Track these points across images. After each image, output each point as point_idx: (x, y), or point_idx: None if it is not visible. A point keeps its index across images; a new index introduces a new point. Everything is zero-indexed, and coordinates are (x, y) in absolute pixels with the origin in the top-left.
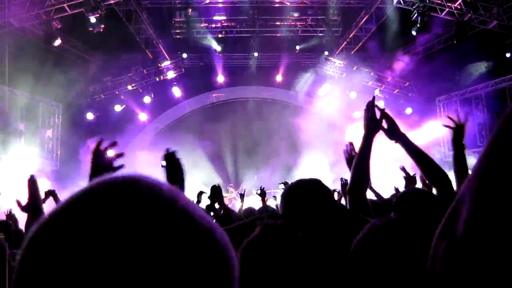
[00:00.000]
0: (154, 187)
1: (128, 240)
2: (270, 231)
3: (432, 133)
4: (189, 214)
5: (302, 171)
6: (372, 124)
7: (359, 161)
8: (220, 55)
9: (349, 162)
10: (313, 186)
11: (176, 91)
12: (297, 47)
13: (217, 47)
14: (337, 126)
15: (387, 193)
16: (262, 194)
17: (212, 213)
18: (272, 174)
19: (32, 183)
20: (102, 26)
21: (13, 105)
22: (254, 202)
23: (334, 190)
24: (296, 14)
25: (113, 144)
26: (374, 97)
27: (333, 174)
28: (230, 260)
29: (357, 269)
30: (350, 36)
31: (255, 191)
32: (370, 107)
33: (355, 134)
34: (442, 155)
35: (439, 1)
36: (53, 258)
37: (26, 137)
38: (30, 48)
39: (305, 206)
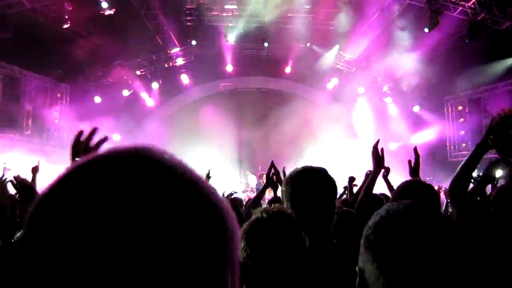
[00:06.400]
0: (160, 157)
1: (125, 204)
2: (269, 216)
3: (439, 132)
4: (194, 185)
5: (306, 164)
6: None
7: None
8: (230, 44)
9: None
10: (320, 175)
11: (184, 78)
12: (308, 44)
13: (227, 36)
14: (344, 120)
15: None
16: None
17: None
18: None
19: (34, 171)
20: (113, 9)
21: (22, 85)
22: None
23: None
24: (307, 7)
25: (92, 132)
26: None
27: (338, 169)
28: (228, 230)
29: (376, 250)
30: (361, 31)
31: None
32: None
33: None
34: (448, 155)
35: (452, 0)
36: (59, 219)
37: (33, 117)
38: (40, 29)
39: (311, 193)
